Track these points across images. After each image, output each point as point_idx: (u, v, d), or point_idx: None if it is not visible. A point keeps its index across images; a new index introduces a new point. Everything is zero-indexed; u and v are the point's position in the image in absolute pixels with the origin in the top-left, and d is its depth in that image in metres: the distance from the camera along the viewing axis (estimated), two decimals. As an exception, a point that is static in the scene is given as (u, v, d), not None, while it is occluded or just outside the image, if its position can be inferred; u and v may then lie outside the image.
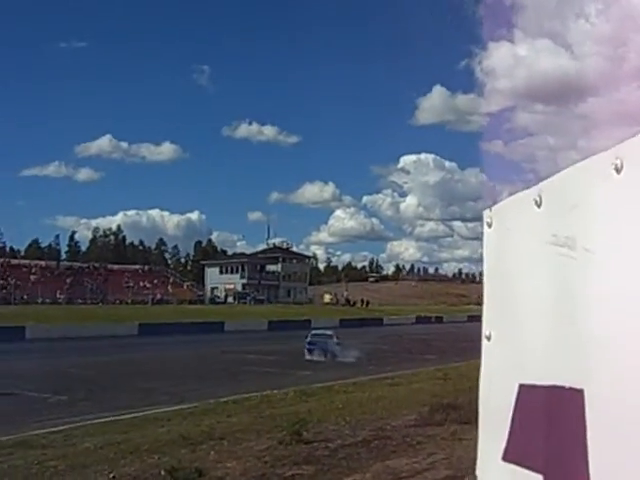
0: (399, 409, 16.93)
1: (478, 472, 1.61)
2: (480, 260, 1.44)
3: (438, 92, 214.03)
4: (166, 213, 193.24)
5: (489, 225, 1.35)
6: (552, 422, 1.13)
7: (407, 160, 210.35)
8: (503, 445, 1.27)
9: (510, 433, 1.25)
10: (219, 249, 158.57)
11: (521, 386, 1.22)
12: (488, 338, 1.34)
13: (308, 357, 36.82)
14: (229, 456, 11.77)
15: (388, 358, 36.88)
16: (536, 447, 1.18)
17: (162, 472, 10.39)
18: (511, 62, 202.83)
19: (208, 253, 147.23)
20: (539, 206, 1.15)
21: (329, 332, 41.89)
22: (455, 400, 16.26)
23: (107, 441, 13.44)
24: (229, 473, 10.48)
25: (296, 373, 28.84)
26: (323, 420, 15.38)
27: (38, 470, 10.90)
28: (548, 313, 1.13)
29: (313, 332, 41.63)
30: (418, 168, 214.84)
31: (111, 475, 10.39)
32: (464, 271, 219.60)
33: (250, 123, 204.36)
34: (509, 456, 1.25)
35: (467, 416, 14.66)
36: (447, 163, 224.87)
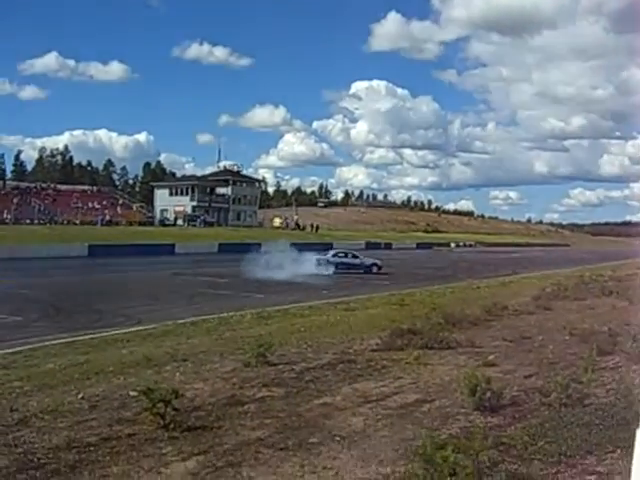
0: (359, 333, 17.00)
1: None
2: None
3: (393, 18, 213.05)
4: (114, 134, 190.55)
5: None
6: None
7: (359, 86, 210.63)
8: None
9: None
10: (168, 171, 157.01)
11: None
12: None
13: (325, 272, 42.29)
14: (196, 377, 11.76)
15: (341, 283, 37.11)
16: None
17: (130, 392, 10.33)
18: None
19: (157, 175, 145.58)
20: None
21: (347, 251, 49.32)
22: (414, 325, 16.43)
23: (70, 362, 13.32)
24: (198, 395, 10.47)
25: (250, 296, 28.87)
26: (285, 343, 15.43)
27: (4, 391, 10.75)
28: None
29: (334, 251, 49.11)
30: (370, 94, 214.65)
31: (79, 396, 10.30)
32: (413, 198, 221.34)
33: (201, 43, 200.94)
34: None
35: (429, 342, 14.88)
36: (399, 90, 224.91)
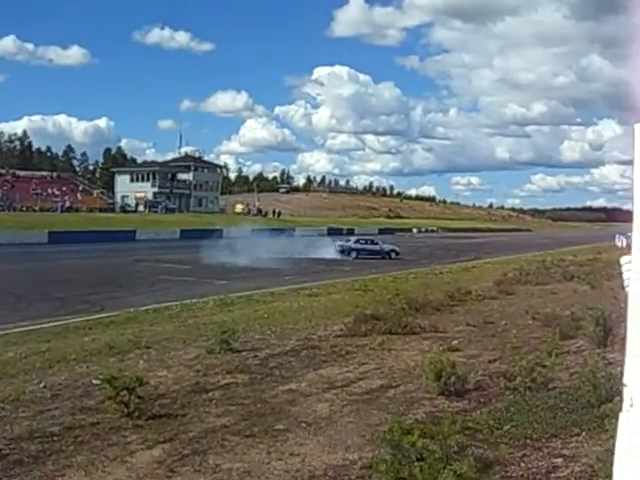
0: (323, 319, 17.02)
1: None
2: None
3: (355, 4, 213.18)
4: (73, 119, 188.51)
5: None
6: None
7: (321, 72, 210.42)
8: None
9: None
10: (129, 157, 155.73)
11: None
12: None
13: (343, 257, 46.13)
14: (160, 365, 11.66)
15: (304, 268, 37.06)
16: None
17: (94, 381, 10.21)
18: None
19: (117, 160, 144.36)
20: None
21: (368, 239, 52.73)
22: (378, 311, 16.46)
23: (31, 350, 13.13)
24: (162, 382, 10.37)
25: (212, 282, 28.78)
26: (248, 330, 15.34)
27: (-37, 380, 10.57)
28: None
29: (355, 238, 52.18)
30: (332, 80, 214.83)
31: (41, 384, 10.16)
32: (375, 184, 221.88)
33: (162, 28, 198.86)
34: None
35: (392, 327, 14.90)
36: (361, 76, 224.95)
